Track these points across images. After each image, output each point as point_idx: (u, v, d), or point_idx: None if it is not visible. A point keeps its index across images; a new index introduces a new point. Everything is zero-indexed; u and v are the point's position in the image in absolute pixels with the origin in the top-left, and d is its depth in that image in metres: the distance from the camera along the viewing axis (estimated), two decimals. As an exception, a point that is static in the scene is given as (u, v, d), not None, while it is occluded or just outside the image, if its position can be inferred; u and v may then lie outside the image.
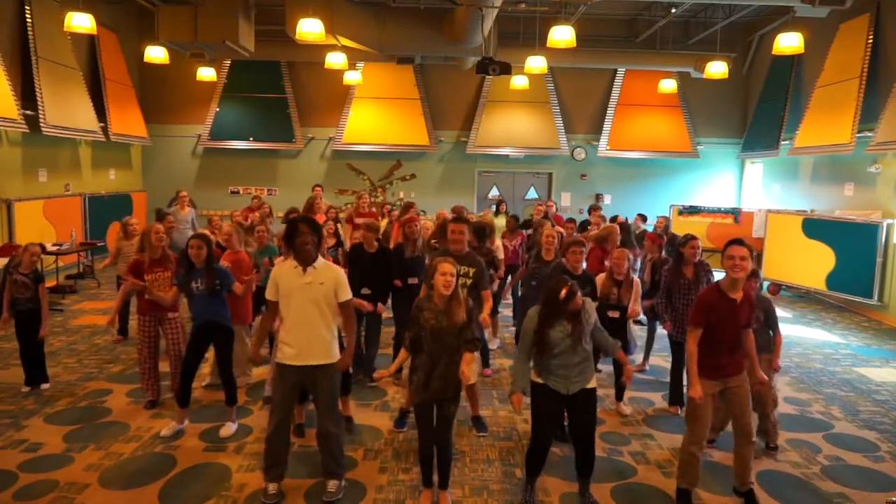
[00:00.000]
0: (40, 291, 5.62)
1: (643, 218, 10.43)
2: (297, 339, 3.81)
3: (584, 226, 8.90)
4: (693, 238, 5.42)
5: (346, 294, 3.91)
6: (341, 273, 3.95)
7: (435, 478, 3.95)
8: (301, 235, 3.74)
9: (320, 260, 3.87)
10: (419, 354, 3.83)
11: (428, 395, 3.78)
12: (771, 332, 4.79)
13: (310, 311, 3.79)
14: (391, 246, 6.36)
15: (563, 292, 3.74)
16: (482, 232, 6.08)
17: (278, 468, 3.97)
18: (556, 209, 11.54)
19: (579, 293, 3.80)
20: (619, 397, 5.55)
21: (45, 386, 5.75)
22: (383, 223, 8.64)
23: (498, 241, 7.07)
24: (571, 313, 3.79)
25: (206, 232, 5.74)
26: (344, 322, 4.03)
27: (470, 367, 3.78)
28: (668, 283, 5.40)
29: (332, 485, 4.00)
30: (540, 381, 3.87)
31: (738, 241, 3.83)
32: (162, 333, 5.38)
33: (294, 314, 3.80)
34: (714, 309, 3.81)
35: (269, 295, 3.88)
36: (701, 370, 3.84)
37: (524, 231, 8.44)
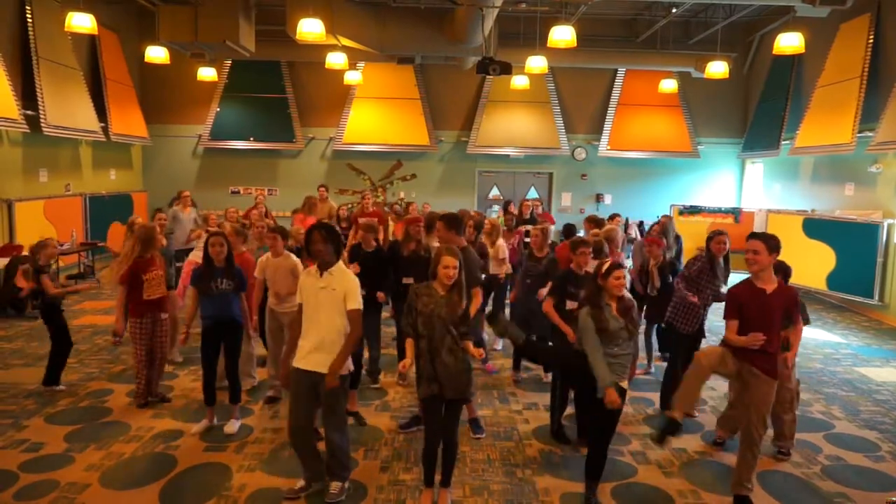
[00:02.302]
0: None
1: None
2: (313, 343, 3.87)
3: (569, 231, 8.57)
4: (719, 233, 5.28)
5: (355, 303, 3.91)
6: (354, 282, 3.95)
7: (437, 477, 3.95)
8: (314, 244, 3.85)
9: (339, 266, 3.91)
10: (419, 344, 3.83)
11: (440, 389, 3.75)
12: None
13: (320, 315, 3.85)
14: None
15: (604, 267, 3.87)
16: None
17: (320, 474, 4.02)
18: (542, 208, 11.42)
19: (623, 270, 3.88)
20: None
21: (59, 388, 5.74)
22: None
23: (500, 241, 7.08)
24: (623, 308, 3.83)
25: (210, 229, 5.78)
26: (350, 328, 3.99)
27: (472, 346, 3.84)
28: (697, 274, 5.22)
29: (335, 486, 3.99)
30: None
31: (753, 235, 3.85)
32: (153, 334, 5.39)
33: (311, 318, 3.89)
34: (743, 299, 3.81)
35: (298, 299, 3.99)
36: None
37: (520, 228, 8.44)
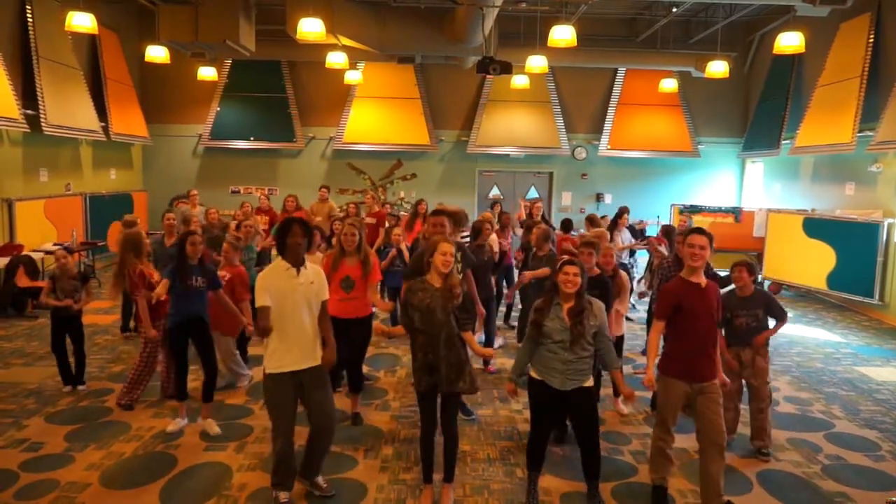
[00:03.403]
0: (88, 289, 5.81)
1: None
2: (295, 343, 3.78)
3: (566, 226, 8.68)
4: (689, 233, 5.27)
5: (327, 293, 3.99)
6: (322, 272, 4.03)
7: (436, 476, 3.96)
8: (293, 236, 3.75)
9: (306, 262, 3.91)
10: (417, 338, 3.85)
11: (436, 382, 3.78)
12: (775, 320, 4.69)
13: (304, 313, 3.79)
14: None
15: (558, 266, 3.87)
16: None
17: (290, 480, 3.96)
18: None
19: (578, 272, 3.80)
20: (616, 393, 5.54)
21: (81, 387, 5.78)
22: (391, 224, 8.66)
23: (493, 236, 7.12)
24: (575, 310, 3.76)
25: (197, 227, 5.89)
26: (322, 319, 3.95)
27: (476, 343, 3.92)
28: (666, 279, 5.22)
29: (323, 479, 4.04)
30: (537, 377, 3.87)
31: (699, 231, 3.87)
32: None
33: (290, 317, 3.75)
34: (681, 296, 3.78)
35: (262, 302, 3.73)
36: (672, 368, 3.84)
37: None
